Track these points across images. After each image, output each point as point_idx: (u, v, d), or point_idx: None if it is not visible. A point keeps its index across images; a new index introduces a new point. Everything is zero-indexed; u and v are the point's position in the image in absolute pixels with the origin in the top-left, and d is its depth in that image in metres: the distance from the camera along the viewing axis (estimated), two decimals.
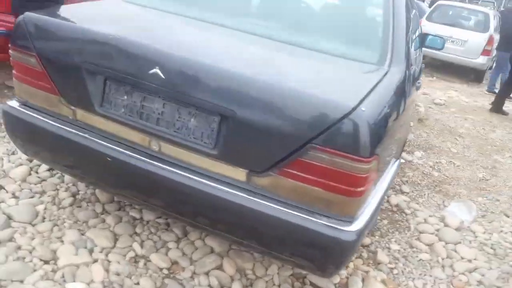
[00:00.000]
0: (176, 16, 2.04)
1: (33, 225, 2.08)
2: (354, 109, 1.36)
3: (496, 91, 7.98)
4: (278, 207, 1.49)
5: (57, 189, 2.38)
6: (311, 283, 2.04)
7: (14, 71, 1.82)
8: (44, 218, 2.15)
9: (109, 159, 1.64)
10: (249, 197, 1.52)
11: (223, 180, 1.56)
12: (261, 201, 1.51)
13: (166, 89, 1.53)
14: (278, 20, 2.14)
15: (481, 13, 8.99)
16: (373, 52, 1.93)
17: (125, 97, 1.62)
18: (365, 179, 1.42)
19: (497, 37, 8.60)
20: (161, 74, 1.50)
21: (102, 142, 1.66)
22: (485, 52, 8.44)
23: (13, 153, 2.66)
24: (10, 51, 1.78)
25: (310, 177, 1.43)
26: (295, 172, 1.45)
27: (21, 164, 2.54)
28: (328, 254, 1.49)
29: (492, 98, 7.26)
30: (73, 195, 2.34)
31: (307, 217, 1.46)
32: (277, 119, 1.44)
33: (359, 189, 1.42)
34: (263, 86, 1.47)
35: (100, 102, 1.65)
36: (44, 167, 2.53)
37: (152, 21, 2.02)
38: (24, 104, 1.83)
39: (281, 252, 1.61)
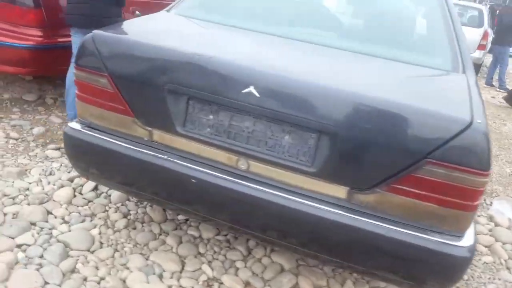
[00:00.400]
0: (248, 31, 1.96)
1: (93, 252, 1.96)
2: (471, 122, 1.31)
3: (494, 84, 8.19)
4: (384, 224, 1.42)
5: (107, 210, 2.26)
6: None
7: (77, 92, 1.70)
8: (101, 243, 2.03)
9: (193, 180, 1.55)
10: (350, 215, 1.45)
11: (321, 198, 1.48)
12: (364, 218, 1.44)
13: (260, 107, 1.44)
14: (353, 31, 2.09)
15: (475, 9, 9.20)
16: (445, 58, 1.89)
17: (211, 116, 1.52)
18: (481, 193, 1.36)
19: (490, 31, 8.83)
20: (256, 93, 1.42)
21: (184, 163, 1.57)
22: (481, 47, 8.59)
23: (50, 174, 2.53)
24: (75, 71, 1.66)
25: (423, 192, 1.36)
26: (405, 188, 1.38)
27: (62, 186, 2.41)
28: (440, 273, 1.42)
29: (491, 91, 7.46)
30: (125, 216, 2.23)
31: (418, 234, 1.39)
32: (386, 135, 1.37)
33: (475, 203, 1.37)
34: (366, 101, 1.39)
35: (182, 123, 1.55)
36: (88, 187, 2.40)
37: (229, 37, 1.92)
38: (88, 126, 1.72)
39: (381, 270, 1.54)
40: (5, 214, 2.10)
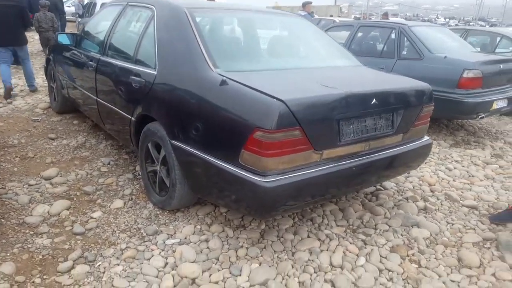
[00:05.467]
0: (300, 69, 2.88)
1: None
2: None
3: None
4: None
5: None
6: None
7: (270, 150, 2.09)
8: None
9: (354, 168, 2.48)
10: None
11: (396, 145, 2.78)
12: None
13: (378, 108, 2.53)
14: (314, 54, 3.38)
15: None
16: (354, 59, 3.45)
17: (351, 126, 2.45)
18: None
19: None
20: (376, 101, 2.49)
21: (344, 162, 2.45)
22: None
23: None
24: (273, 135, 2.08)
25: None
26: None
27: None
28: None
29: None
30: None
31: None
32: None
33: None
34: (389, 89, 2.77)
35: (339, 138, 2.39)
36: None
37: (312, 77, 2.70)
38: (277, 174, 2.17)
39: None
40: None
